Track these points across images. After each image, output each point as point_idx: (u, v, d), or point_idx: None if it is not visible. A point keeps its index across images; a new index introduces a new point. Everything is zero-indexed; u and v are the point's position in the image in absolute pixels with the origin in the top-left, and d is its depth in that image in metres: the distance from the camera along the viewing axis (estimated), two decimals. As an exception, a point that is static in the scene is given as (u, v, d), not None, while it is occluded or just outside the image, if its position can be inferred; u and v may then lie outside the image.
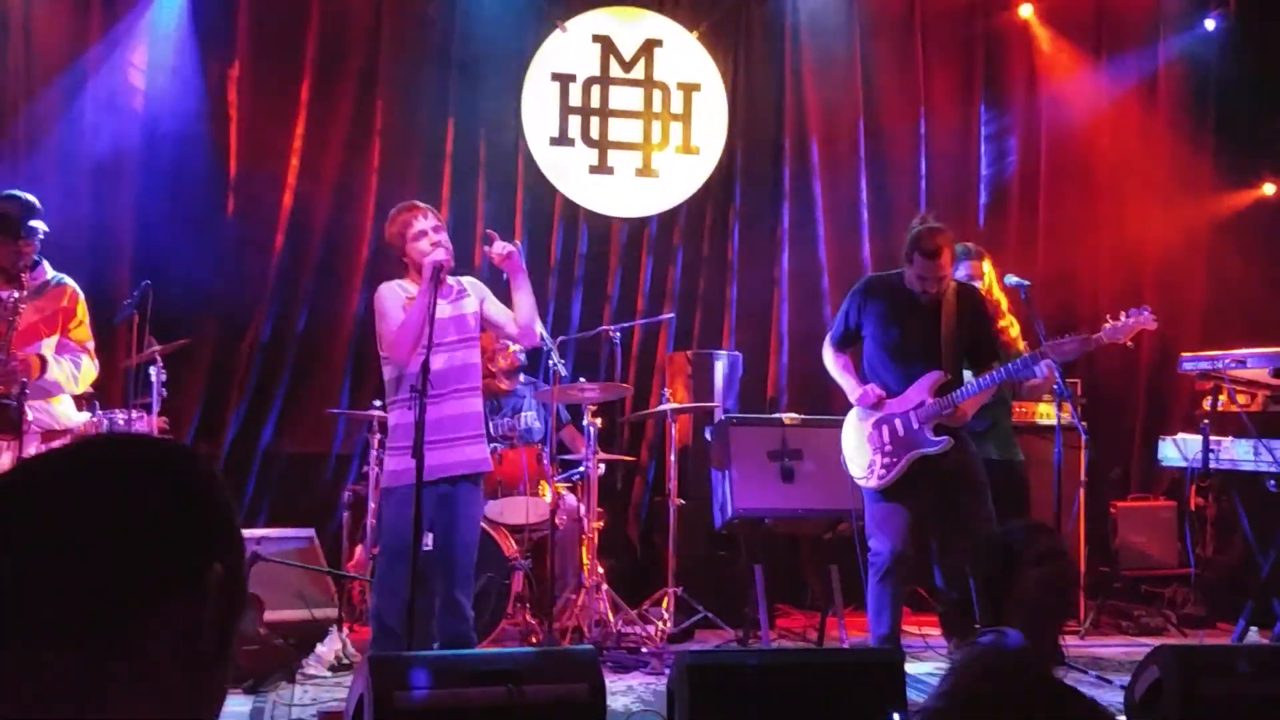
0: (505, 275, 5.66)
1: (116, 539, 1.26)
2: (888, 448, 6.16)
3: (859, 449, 6.30)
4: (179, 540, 1.30)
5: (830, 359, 6.49)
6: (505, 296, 5.77)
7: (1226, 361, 7.41)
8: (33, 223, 5.52)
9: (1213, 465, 7.45)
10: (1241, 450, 7.42)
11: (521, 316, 5.70)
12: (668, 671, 5.01)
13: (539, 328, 5.88)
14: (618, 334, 8.02)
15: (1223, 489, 7.82)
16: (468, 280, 5.87)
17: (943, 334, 6.16)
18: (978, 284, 7.03)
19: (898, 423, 6.16)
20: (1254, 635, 7.12)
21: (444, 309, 5.57)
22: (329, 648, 6.52)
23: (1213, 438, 7.39)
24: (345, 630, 6.75)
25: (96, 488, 1.28)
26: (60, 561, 1.24)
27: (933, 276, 6.06)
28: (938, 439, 6.07)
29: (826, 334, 6.60)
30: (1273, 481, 7.15)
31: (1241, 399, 7.74)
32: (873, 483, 6.19)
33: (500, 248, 5.61)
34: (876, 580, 6.16)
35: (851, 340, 6.43)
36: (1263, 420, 7.59)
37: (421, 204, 5.79)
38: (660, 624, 7.23)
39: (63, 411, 5.72)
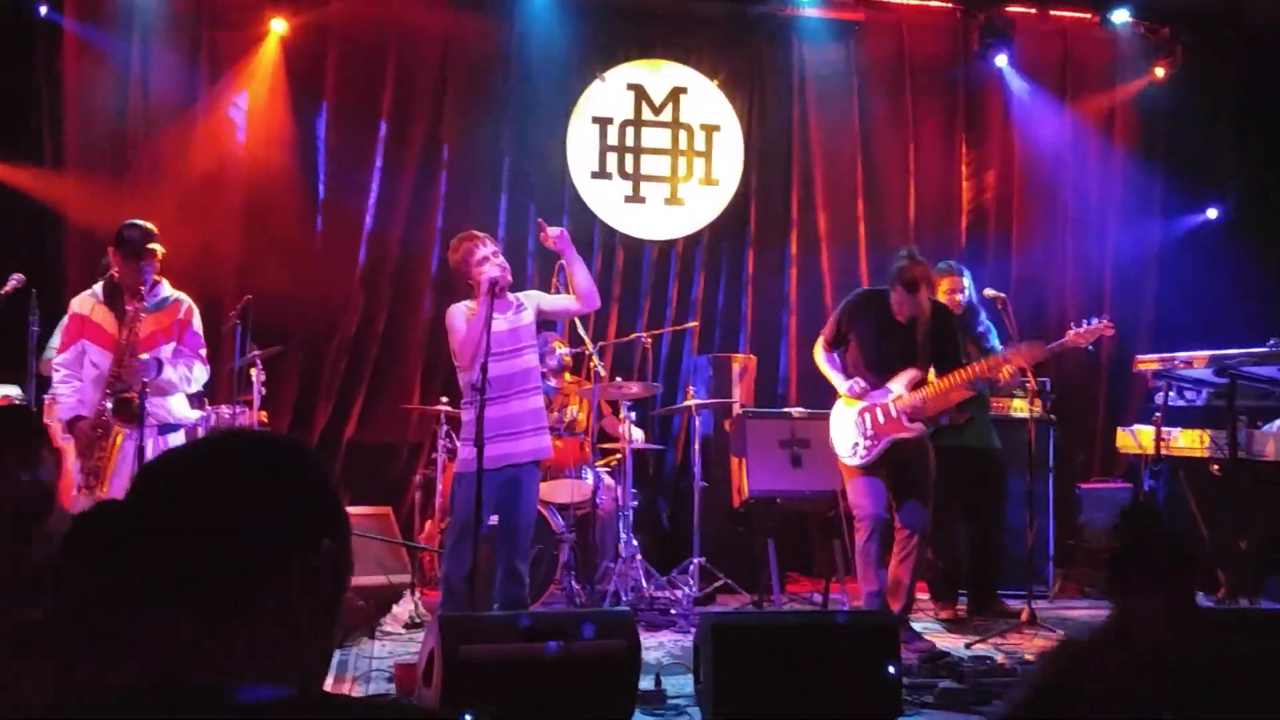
0: (559, 255, 5.70)
1: (246, 517, 1.28)
2: (869, 431, 6.21)
3: (845, 432, 6.32)
4: (296, 519, 1.32)
5: (821, 356, 6.53)
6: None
7: (1176, 362, 7.36)
8: (151, 245, 5.56)
9: (1164, 452, 7.41)
10: (1189, 439, 7.39)
11: (580, 287, 5.72)
12: (693, 630, 5.03)
13: (596, 294, 5.86)
14: (649, 340, 8.05)
15: (1172, 473, 7.76)
16: (524, 294, 5.88)
17: (919, 344, 6.23)
18: (959, 296, 7.02)
19: (878, 411, 6.21)
20: (1201, 599, 7.08)
21: (503, 322, 5.59)
22: (403, 608, 6.56)
23: (1164, 428, 7.35)
24: (417, 593, 6.78)
25: (229, 474, 1.31)
26: (198, 536, 1.27)
27: (910, 307, 6.14)
28: (912, 425, 6.15)
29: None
30: (1216, 466, 7.12)
31: (1188, 395, 7.70)
32: (855, 460, 6.24)
33: (552, 231, 5.67)
34: (863, 543, 6.20)
35: (840, 341, 6.48)
36: (1207, 413, 7.55)
37: (479, 233, 5.81)
38: (686, 589, 7.23)
39: (178, 408, 5.75)
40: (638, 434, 7.66)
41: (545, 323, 6.27)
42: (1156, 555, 3.03)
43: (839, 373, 6.43)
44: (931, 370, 6.24)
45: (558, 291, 5.83)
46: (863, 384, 6.26)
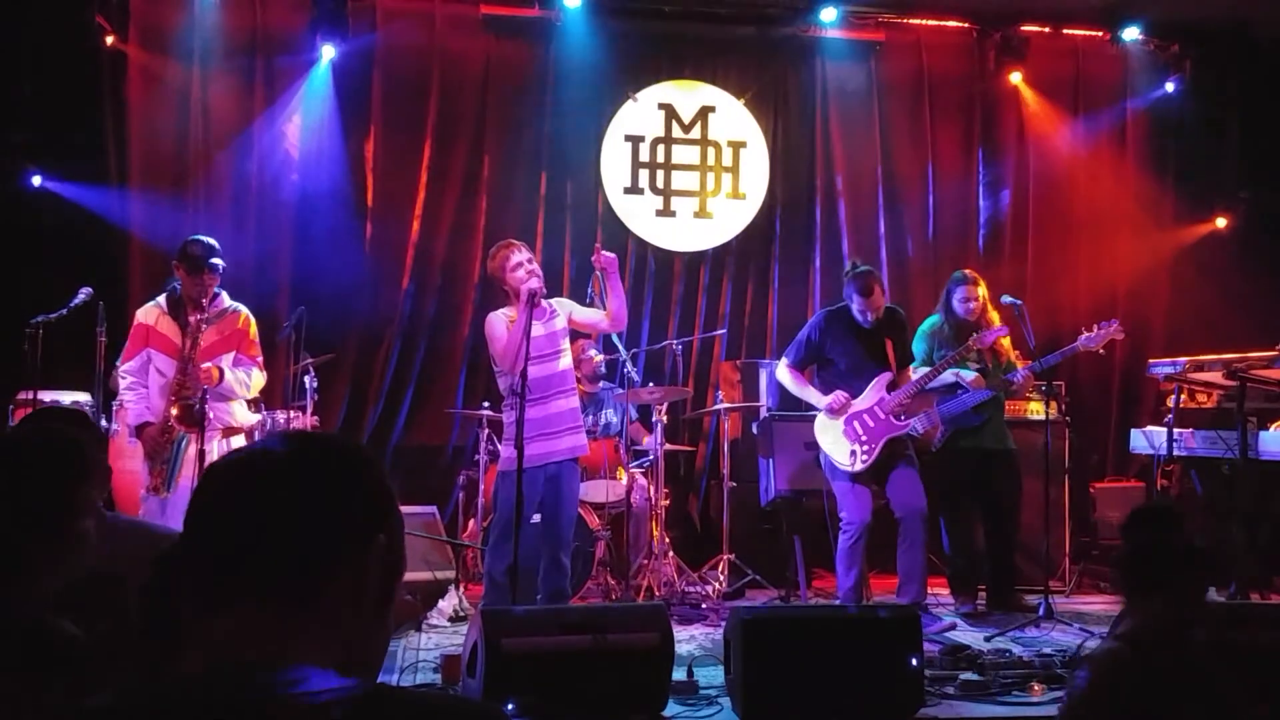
0: (603, 274, 5.74)
1: (308, 514, 1.30)
2: (863, 438, 6.36)
3: (837, 443, 6.46)
4: (354, 516, 1.33)
5: (788, 376, 6.65)
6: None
7: (1187, 366, 7.30)
8: (213, 260, 5.61)
9: (1176, 452, 7.34)
10: (1200, 440, 7.31)
11: (613, 308, 5.77)
12: (724, 623, 5.01)
13: (625, 318, 5.92)
14: (680, 347, 8.04)
15: (1184, 472, 7.69)
16: (557, 301, 5.93)
17: (886, 345, 6.48)
18: (973, 305, 6.97)
19: (866, 417, 6.39)
20: (1212, 594, 7.00)
21: (540, 328, 5.62)
22: (448, 603, 6.57)
23: (1176, 429, 7.29)
24: (461, 588, 6.80)
25: (294, 472, 1.33)
26: (266, 529, 1.28)
27: (870, 308, 6.38)
28: (902, 422, 6.35)
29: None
30: (1226, 466, 7.05)
31: (1200, 397, 7.63)
32: (856, 467, 6.37)
33: (606, 255, 5.71)
34: (848, 545, 6.33)
35: (808, 362, 6.64)
36: (1217, 415, 7.48)
37: (516, 241, 5.84)
38: (717, 584, 7.22)
39: (239, 412, 5.81)
40: (649, 439, 7.66)
41: (575, 333, 6.29)
42: (1168, 558, 2.96)
43: (813, 389, 6.57)
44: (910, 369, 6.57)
45: (591, 301, 5.84)
46: (844, 396, 6.41)
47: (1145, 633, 2.84)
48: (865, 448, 6.33)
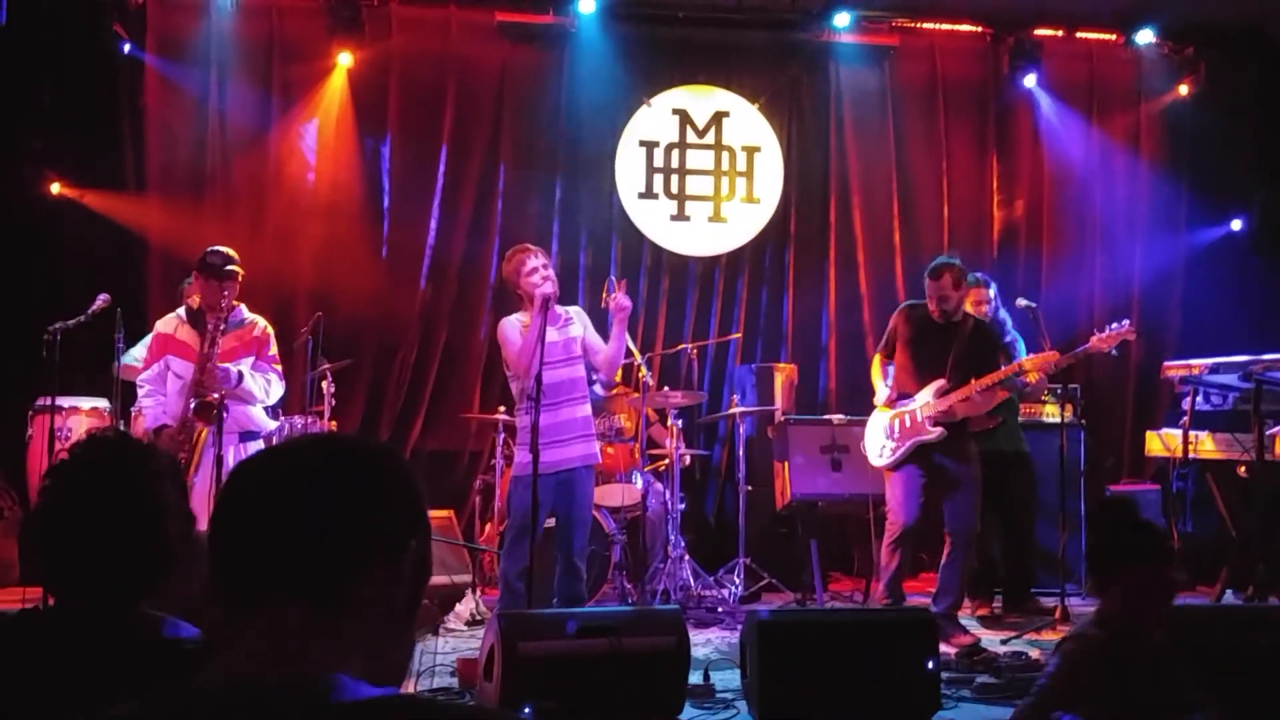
0: (611, 317, 5.62)
1: (343, 518, 1.27)
2: (895, 435, 6.29)
3: (875, 436, 6.42)
4: (388, 521, 1.31)
5: (876, 365, 6.62)
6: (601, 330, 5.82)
7: (1202, 369, 7.26)
8: (231, 268, 5.63)
9: (1191, 455, 7.30)
10: (1215, 442, 7.27)
11: (610, 353, 5.68)
12: (740, 627, 5.00)
13: (616, 369, 5.90)
14: (695, 351, 8.03)
15: (1200, 474, 7.64)
16: (574, 310, 5.88)
17: (953, 352, 6.23)
18: (985, 307, 6.97)
19: (907, 417, 6.27)
20: (1230, 597, 6.97)
21: (554, 334, 5.60)
22: (465, 607, 6.57)
23: (1191, 432, 7.25)
24: (478, 592, 6.80)
25: (326, 474, 1.30)
26: (297, 534, 1.25)
27: (938, 295, 6.22)
28: (933, 430, 6.17)
29: (872, 346, 6.67)
30: (1242, 468, 7.01)
31: (1214, 399, 7.58)
32: (882, 462, 6.32)
33: (621, 299, 5.58)
34: (887, 542, 6.26)
35: (890, 349, 6.53)
36: (1232, 417, 7.43)
37: (532, 246, 5.82)
38: (733, 588, 7.20)
39: (259, 417, 5.83)
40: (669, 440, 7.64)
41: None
42: (1128, 542, 3.08)
43: (883, 383, 6.49)
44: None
45: (606, 306, 5.78)
46: (893, 395, 6.37)
47: (1110, 617, 3.00)
48: (893, 445, 6.26)
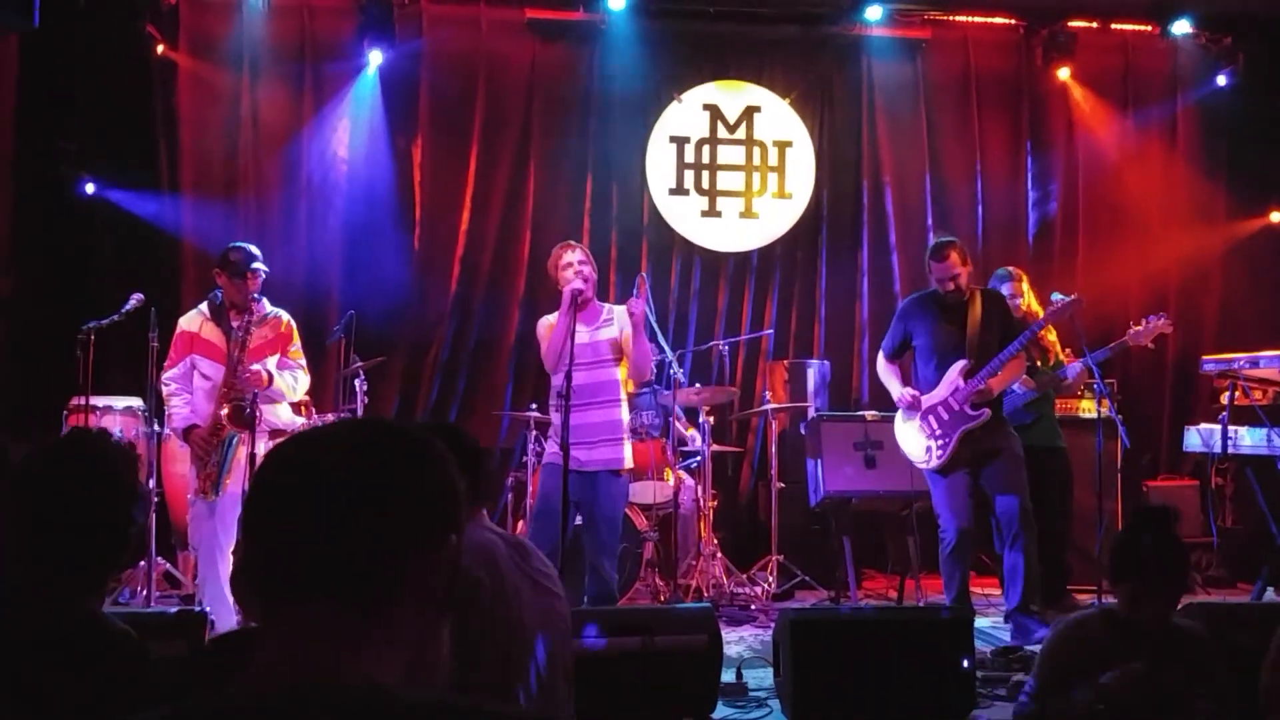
0: (630, 319, 5.54)
1: (386, 511, 1.21)
2: (937, 432, 6.07)
3: (913, 439, 6.20)
4: (429, 514, 1.25)
5: (883, 367, 6.42)
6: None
7: (1241, 362, 7.14)
8: (255, 265, 5.64)
9: (1230, 450, 7.19)
10: (1255, 437, 7.15)
11: (631, 360, 5.57)
12: (773, 625, 4.96)
13: (646, 373, 5.76)
14: (726, 347, 8.01)
15: (1239, 470, 7.54)
16: (618, 310, 5.72)
17: (968, 329, 6.07)
18: (1019, 301, 6.88)
19: (940, 409, 6.07)
20: (1270, 594, 6.87)
21: (585, 334, 5.54)
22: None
23: (1230, 427, 7.14)
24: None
25: (368, 465, 1.23)
26: (337, 530, 1.19)
27: (946, 275, 6.04)
28: (976, 412, 5.98)
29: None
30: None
31: (1255, 394, 7.45)
32: (933, 464, 6.08)
33: (633, 304, 5.50)
34: (945, 556, 6.04)
35: (901, 352, 6.36)
36: (1273, 411, 7.30)
37: (574, 243, 5.78)
38: (765, 585, 7.17)
39: (285, 415, 5.83)
40: (694, 435, 7.59)
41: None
42: (1148, 553, 3.18)
43: (898, 383, 6.31)
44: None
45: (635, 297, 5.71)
46: (914, 393, 6.16)
47: (1119, 611, 3.32)
48: (940, 442, 6.04)
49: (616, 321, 5.66)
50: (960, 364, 6.03)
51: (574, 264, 5.58)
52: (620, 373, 5.67)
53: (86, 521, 2.11)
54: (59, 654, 2.02)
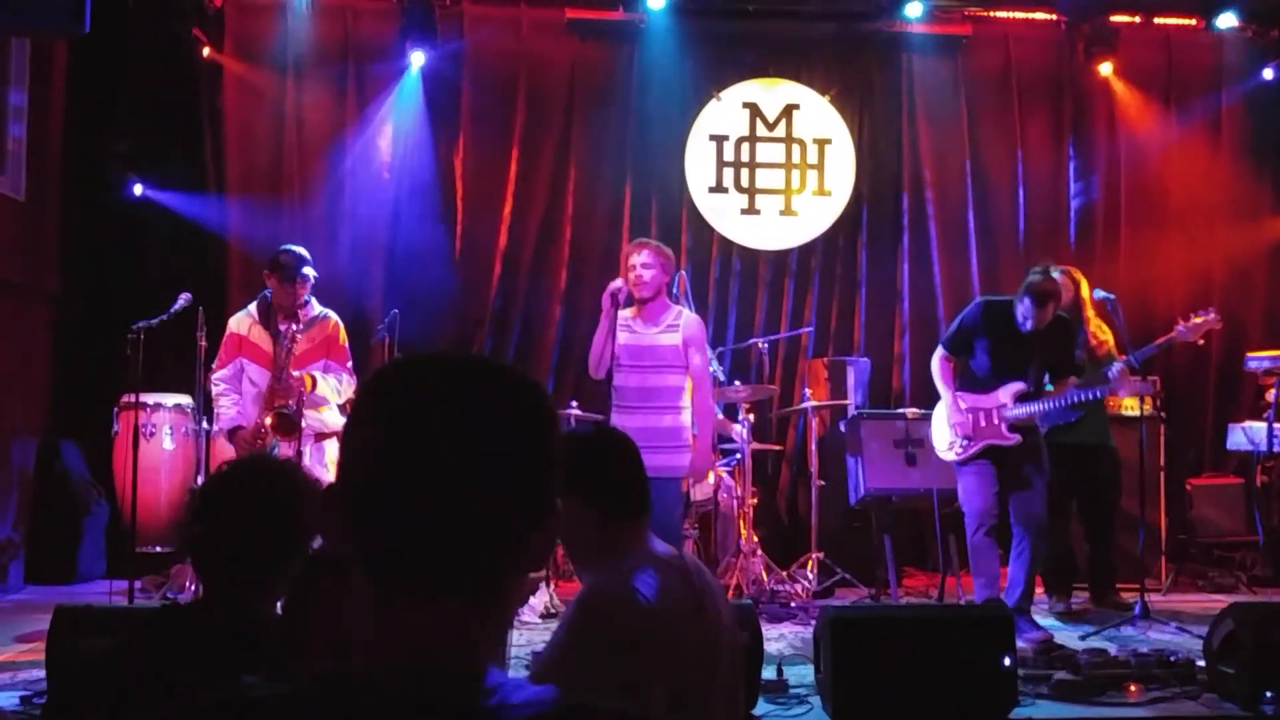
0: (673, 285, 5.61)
1: (509, 495, 1.09)
2: (969, 431, 6.08)
3: (943, 430, 6.24)
4: (543, 485, 1.12)
5: (937, 364, 6.33)
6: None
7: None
8: (304, 270, 5.70)
9: (1276, 448, 7.13)
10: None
11: (693, 405, 5.52)
12: (813, 622, 4.97)
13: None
14: (766, 345, 8.01)
15: (1285, 468, 7.48)
16: (688, 318, 5.67)
17: (1035, 357, 6.06)
18: (1068, 294, 6.82)
19: (981, 415, 6.08)
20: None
21: (645, 336, 5.49)
22: (539, 599, 6.59)
23: (1276, 424, 7.07)
24: (552, 585, 6.82)
25: (479, 426, 1.09)
26: (456, 517, 1.08)
27: (1036, 320, 5.93)
28: (1010, 436, 5.98)
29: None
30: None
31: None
32: (951, 455, 6.16)
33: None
34: (971, 535, 6.09)
35: (961, 349, 6.28)
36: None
37: (650, 241, 5.73)
38: (806, 583, 7.17)
39: (329, 417, 5.89)
40: (739, 429, 7.59)
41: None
42: None
43: (949, 389, 6.25)
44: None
45: (676, 299, 5.71)
46: (968, 401, 6.13)
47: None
48: (964, 443, 6.08)
49: (681, 330, 5.57)
50: (1017, 387, 6.02)
51: (636, 265, 5.52)
52: (683, 380, 5.55)
53: (263, 540, 2.25)
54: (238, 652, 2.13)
